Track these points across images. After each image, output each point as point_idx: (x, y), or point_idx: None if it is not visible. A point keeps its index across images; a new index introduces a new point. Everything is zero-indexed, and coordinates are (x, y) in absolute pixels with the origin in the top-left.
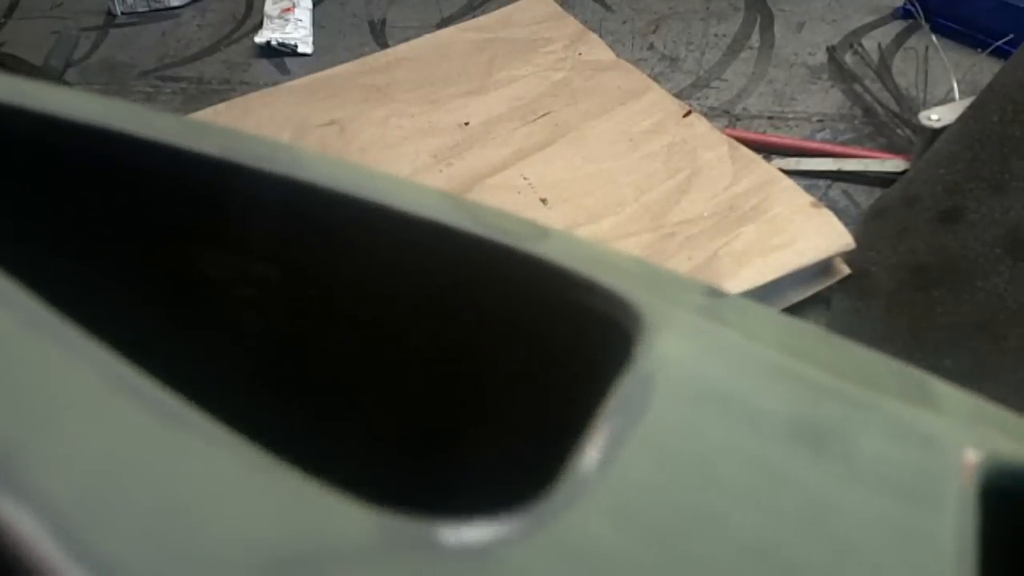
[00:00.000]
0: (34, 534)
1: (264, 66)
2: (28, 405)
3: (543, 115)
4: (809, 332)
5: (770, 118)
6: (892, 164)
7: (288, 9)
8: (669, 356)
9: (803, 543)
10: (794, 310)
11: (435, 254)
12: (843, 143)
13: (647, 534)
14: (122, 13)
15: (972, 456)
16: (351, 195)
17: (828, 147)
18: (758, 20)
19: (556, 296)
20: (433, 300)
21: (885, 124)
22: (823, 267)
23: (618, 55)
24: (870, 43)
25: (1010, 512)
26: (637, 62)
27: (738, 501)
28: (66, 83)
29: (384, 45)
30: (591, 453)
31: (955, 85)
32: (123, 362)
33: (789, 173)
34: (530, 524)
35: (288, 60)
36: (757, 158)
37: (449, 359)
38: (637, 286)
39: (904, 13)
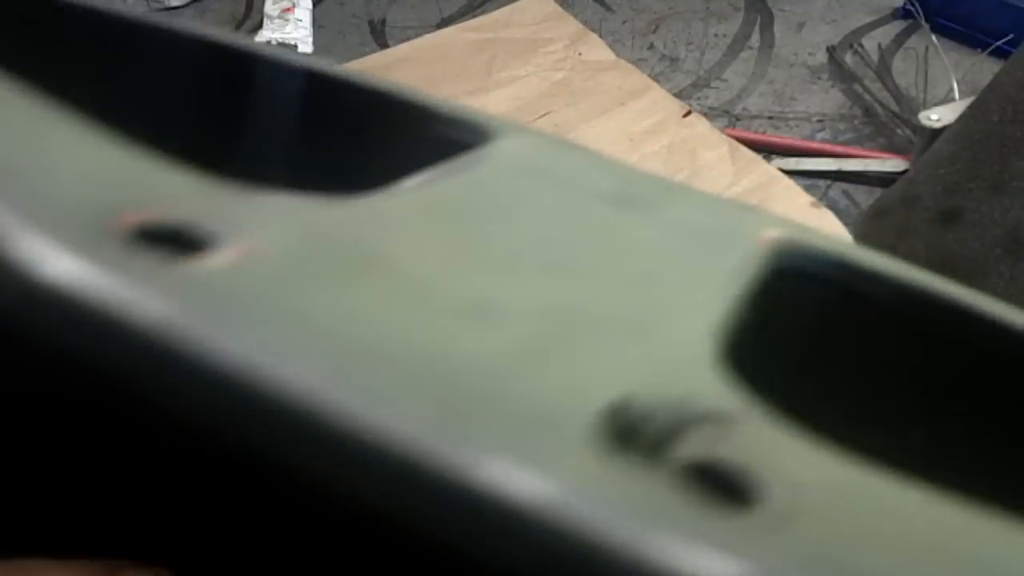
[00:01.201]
0: None
1: None
2: None
3: (543, 115)
4: (659, 176)
5: (770, 118)
6: (892, 164)
7: (288, 9)
8: (503, 147)
9: (590, 252)
10: None
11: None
12: (843, 143)
13: (443, 222)
14: None
15: (771, 232)
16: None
17: (828, 147)
18: (758, 20)
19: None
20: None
21: (885, 124)
22: None
23: (618, 55)
24: (870, 43)
25: (795, 284)
26: (637, 62)
27: (538, 219)
28: None
29: (384, 45)
30: (410, 181)
31: (955, 85)
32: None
33: (789, 173)
34: (339, 202)
35: None
36: (757, 158)
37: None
38: (499, 122)
39: (904, 13)
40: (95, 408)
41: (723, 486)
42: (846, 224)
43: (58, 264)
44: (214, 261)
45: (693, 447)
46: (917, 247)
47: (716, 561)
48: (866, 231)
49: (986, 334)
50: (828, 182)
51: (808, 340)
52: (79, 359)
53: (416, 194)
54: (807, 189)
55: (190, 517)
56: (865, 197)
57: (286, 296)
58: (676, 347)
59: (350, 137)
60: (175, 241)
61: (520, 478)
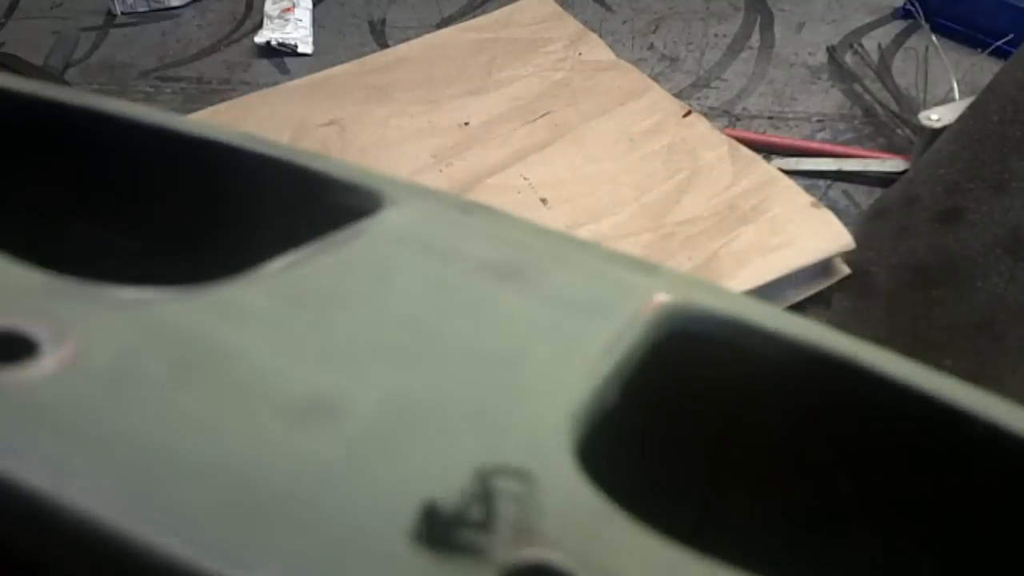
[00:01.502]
0: None
1: (264, 66)
2: None
3: (543, 115)
4: (563, 234)
5: (770, 118)
6: (892, 164)
7: (288, 9)
8: (390, 217)
9: (454, 333)
10: (794, 310)
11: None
12: (843, 143)
13: (299, 309)
14: (122, 13)
15: (660, 297)
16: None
17: (828, 147)
18: (758, 20)
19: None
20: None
21: (885, 124)
22: (823, 267)
23: (618, 55)
24: (870, 43)
25: (692, 346)
26: (637, 62)
27: (404, 298)
28: (66, 83)
29: (384, 45)
30: (276, 262)
31: (955, 85)
32: None
33: (789, 173)
34: (190, 293)
35: (288, 60)
36: (757, 158)
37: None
38: (394, 187)
39: (904, 13)
40: None
41: None
42: (846, 224)
43: None
44: (37, 369)
45: (512, 546)
46: (917, 247)
47: None
48: (866, 231)
49: (881, 393)
50: (828, 182)
51: (695, 405)
52: None
53: (278, 278)
54: (807, 189)
55: None
56: (865, 197)
57: (105, 405)
58: (523, 435)
59: (228, 205)
60: (4, 345)
61: None
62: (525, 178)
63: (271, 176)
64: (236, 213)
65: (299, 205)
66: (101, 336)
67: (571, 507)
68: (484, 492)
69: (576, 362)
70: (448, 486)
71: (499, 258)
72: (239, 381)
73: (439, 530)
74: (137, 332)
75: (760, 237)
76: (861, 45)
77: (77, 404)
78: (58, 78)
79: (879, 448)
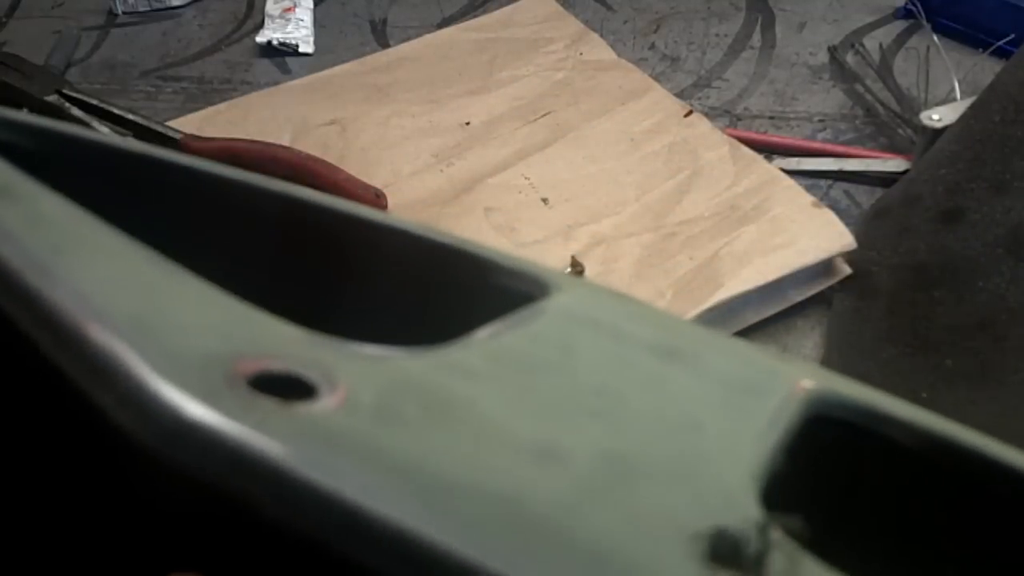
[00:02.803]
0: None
1: (265, 66)
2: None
3: (544, 115)
4: (700, 327)
5: (771, 118)
6: (893, 164)
7: (289, 9)
8: (561, 301)
9: (640, 401)
10: (795, 310)
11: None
12: (844, 143)
13: (510, 371)
14: (123, 12)
15: (806, 383)
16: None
17: (829, 147)
18: (759, 20)
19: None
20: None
21: (886, 124)
22: (824, 267)
23: (619, 55)
24: (871, 43)
25: (832, 433)
26: (638, 62)
27: (593, 370)
28: (67, 82)
29: (385, 45)
30: (480, 332)
31: (956, 85)
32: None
33: (790, 173)
34: (418, 352)
35: (289, 60)
36: (758, 158)
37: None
38: (556, 276)
39: (905, 13)
40: (229, 528)
41: None
42: (847, 224)
43: (196, 409)
44: (321, 405)
45: (778, 566)
46: (918, 247)
47: None
48: (867, 231)
49: (1006, 482)
50: (829, 182)
51: (838, 485)
52: (216, 488)
53: (486, 345)
54: (808, 189)
55: None
56: (866, 197)
57: (382, 437)
58: (722, 489)
59: (422, 291)
60: (287, 386)
61: None
62: (526, 178)
63: (454, 263)
64: (424, 298)
65: (474, 289)
66: (363, 382)
67: (787, 556)
68: (747, 528)
69: (748, 431)
70: (684, 523)
71: (660, 340)
72: (480, 425)
73: (723, 551)
74: (390, 381)
75: (761, 237)
76: (862, 45)
77: (363, 434)
78: (59, 78)
79: (1007, 539)
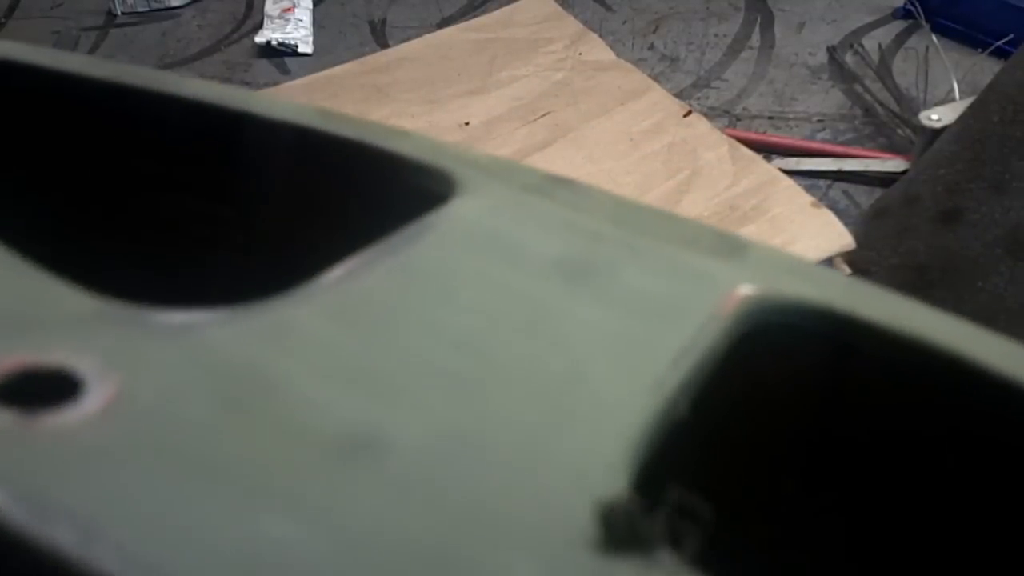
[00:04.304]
0: None
1: (264, 66)
2: None
3: (543, 115)
4: (646, 209)
5: (770, 118)
6: (892, 164)
7: (288, 9)
8: (461, 209)
9: (511, 352)
10: None
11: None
12: (843, 143)
13: (351, 330)
14: (122, 13)
15: (743, 290)
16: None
17: (828, 147)
18: (758, 20)
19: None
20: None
21: (885, 124)
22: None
23: (618, 55)
24: (870, 43)
25: (783, 341)
26: (637, 62)
27: (464, 312)
28: None
29: (384, 45)
30: (335, 271)
31: (955, 85)
32: None
33: (789, 173)
34: (240, 314)
35: (288, 60)
36: (757, 158)
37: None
38: (470, 168)
39: (904, 13)
40: None
41: None
42: (846, 224)
43: None
44: (79, 411)
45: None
46: (917, 247)
47: None
48: (867, 231)
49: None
50: (828, 182)
51: (785, 409)
52: None
53: (333, 293)
54: (808, 189)
55: None
56: (866, 197)
57: (141, 454)
58: (576, 473)
59: (314, 200)
60: (50, 386)
61: None
62: None
63: (343, 159)
64: (305, 196)
65: (372, 189)
66: (148, 371)
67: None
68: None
69: (641, 380)
70: (479, 532)
71: (570, 254)
72: (282, 418)
73: (620, 536)
74: (182, 365)
75: (761, 237)
76: (861, 45)
77: (114, 451)
78: None
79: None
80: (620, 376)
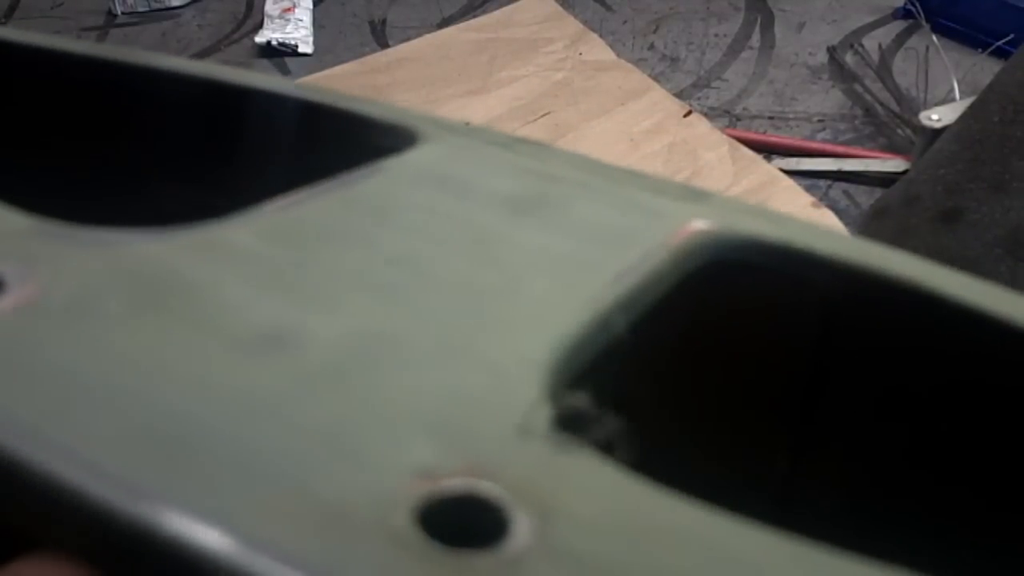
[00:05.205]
0: None
1: (264, 66)
2: None
3: (543, 115)
4: (614, 166)
5: (771, 118)
6: (893, 164)
7: (288, 9)
8: (416, 155)
9: (445, 268)
10: None
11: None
12: (843, 143)
13: (284, 247)
14: (122, 13)
15: (696, 224)
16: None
17: (829, 147)
18: (758, 20)
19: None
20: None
21: (885, 124)
22: None
23: (618, 55)
24: (870, 43)
25: (733, 278)
26: (637, 62)
27: (403, 234)
28: None
29: (384, 45)
30: (276, 202)
31: (955, 85)
32: None
33: (790, 173)
34: (174, 232)
35: (288, 60)
36: (758, 158)
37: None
38: (436, 127)
39: (904, 13)
40: None
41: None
42: (847, 224)
43: None
44: None
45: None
46: (917, 247)
47: None
48: (867, 231)
49: (965, 326)
50: (829, 182)
51: (736, 346)
52: None
53: (272, 217)
54: (808, 189)
55: None
56: (866, 197)
57: (46, 345)
58: (490, 369)
59: (289, 159)
60: None
61: (198, 532)
62: None
63: (307, 118)
64: (267, 155)
65: (334, 146)
66: (66, 274)
67: (525, 443)
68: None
69: (577, 293)
70: (394, 421)
71: (523, 192)
72: (197, 317)
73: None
74: (105, 270)
75: None
76: (862, 45)
77: (19, 343)
78: None
79: (963, 390)
80: (555, 291)
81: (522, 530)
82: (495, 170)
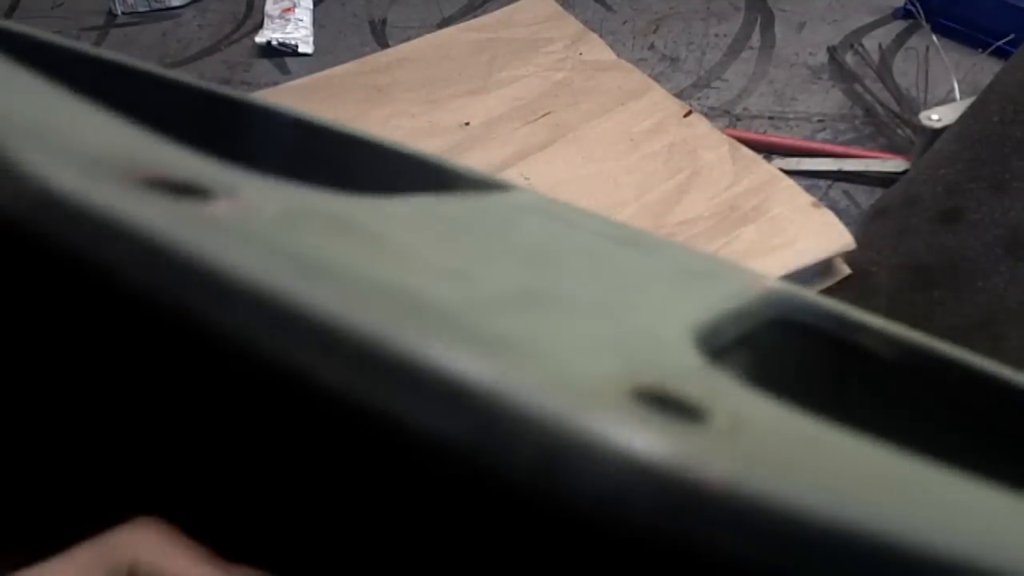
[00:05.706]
0: None
1: (265, 66)
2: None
3: (544, 115)
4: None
5: (771, 118)
6: (893, 164)
7: (289, 9)
8: (516, 195)
9: (576, 264)
10: None
11: None
12: (844, 143)
13: (437, 221)
14: (123, 13)
15: (768, 282)
16: None
17: (829, 147)
18: (759, 20)
19: None
20: None
21: (886, 124)
22: (824, 267)
23: (619, 55)
24: (871, 43)
25: (791, 333)
26: (638, 62)
27: (531, 238)
28: None
29: (385, 45)
30: (421, 196)
31: (956, 85)
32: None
33: (790, 173)
34: (344, 194)
35: (289, 60)
36: (758, 158)
37: None
38: (520, 187)
39: (905, 13)
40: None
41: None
42: (847, 224)
43: (67, 182)
44: (215, 208)
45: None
46: (917, 247)
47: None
48: (867, 231)
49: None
50: (829, 182)
51: (797, 387)
52: (124, 273)
53: (421, 203)
54: (808, 189)
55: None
56: (866, 197)
57: (279, 237)
58: (653, 336)
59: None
60: (182, 191)
61: (457, 357)
62: (526, 178)
63: (413, 171)
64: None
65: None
66: (268, 199)
67: (700, 369)
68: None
69: (693, 300)
70: (583, 341)
71: (618, 233)
72: (384, 247)
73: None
74: (300, 204)
75: (761, 237)
76: (862, 45)
77: (258, 232)
78: None
79: None
80: (673, 294)
81: (721, 422)
82: (589, 216)
